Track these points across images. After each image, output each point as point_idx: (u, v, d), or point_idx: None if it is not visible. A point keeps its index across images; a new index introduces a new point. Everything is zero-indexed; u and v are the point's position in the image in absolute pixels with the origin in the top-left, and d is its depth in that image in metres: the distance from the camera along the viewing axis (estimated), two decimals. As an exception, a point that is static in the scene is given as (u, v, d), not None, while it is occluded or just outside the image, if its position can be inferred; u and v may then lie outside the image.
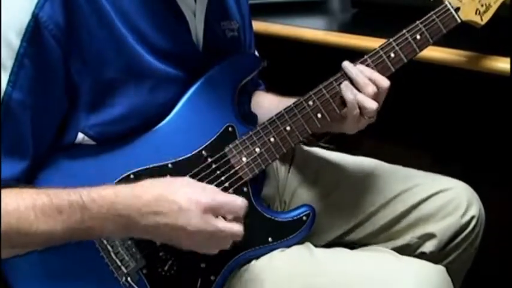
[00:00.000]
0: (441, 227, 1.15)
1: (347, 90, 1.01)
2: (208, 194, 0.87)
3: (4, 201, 0.82)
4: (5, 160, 0.85)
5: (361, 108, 1.01)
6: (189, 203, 0.85)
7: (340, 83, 1.02)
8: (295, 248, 1.02)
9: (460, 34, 1.11)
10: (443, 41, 1.11)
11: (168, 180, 0.89)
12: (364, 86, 1.01)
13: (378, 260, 0.99)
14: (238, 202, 0.89)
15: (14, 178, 0.86)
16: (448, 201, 1.16)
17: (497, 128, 1.43)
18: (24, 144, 0.87)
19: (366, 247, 1.18)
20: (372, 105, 1.00)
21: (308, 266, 0.99)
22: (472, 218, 1.16)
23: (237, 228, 0.89)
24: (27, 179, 0.89)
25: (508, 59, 1.11)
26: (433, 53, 1.18)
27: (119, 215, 0.84)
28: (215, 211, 0.87)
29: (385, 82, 1.02)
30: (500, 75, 1.13)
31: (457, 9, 1.07)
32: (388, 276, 0.94)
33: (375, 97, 1.01)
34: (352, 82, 1.02)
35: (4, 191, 0.82)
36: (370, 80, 1.01)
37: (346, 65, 1.03)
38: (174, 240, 0.88)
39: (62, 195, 0.83)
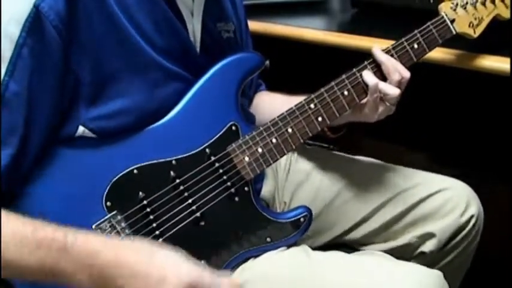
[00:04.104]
0: (441, 226, 1.16)
1: (369, 75, 1.05)
2: (193, 273, 0.79)
3: None
4: None
5: (384, 94, 1.05)
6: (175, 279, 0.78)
7: (342, 87, 1.04)
8: (293, 251, 1.02)
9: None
10: (443, 41, 1.11)
11: (153, 251, 0.81)
12: (392, 72, 1.05)
13: (375, 264, 0.99)
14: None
15: (5, 167, 0.84)
16: (447, 200, 1.17)
17: (497, 128, 1.44)
18: (14, 133, 0.84)
19: (364, 251, 1.18)
20: (395, 91, 1.04)
21: (305, 270, 0.98)
22: (471, 217, 1.17)
23: None
24: (23, 170, 0.86)
25: (508, 59, 1.12)
26: (433, 53, 1.17)
27: (96, 268, 0.78)
28: None
29: (407, 73, 1.06)
30: (500, 75, 1.14)
31: (452, 21, 1.09)
32: (384, 281, 0.93)
33: (397, 85, 1.05)
34: (380, 68, 1.06)
35: None
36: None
37: (376, 50, 1.06)
38: None
39: (47, 231, 0.78)
